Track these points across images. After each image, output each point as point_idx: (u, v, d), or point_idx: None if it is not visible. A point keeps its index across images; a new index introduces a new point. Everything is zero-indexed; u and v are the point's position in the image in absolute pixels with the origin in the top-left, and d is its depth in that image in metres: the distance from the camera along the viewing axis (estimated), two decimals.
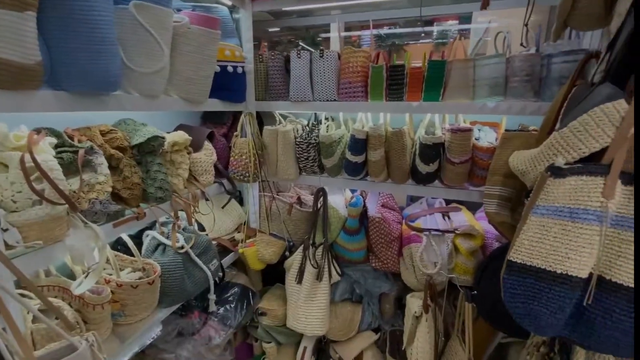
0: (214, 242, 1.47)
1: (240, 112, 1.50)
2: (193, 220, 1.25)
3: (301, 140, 1.42)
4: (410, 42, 2.34)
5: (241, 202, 1.81)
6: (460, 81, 1.20)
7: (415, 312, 1.28)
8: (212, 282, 1.29)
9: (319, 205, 1.47)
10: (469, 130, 1.17)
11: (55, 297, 0.95)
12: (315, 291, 1.46)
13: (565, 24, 0.94)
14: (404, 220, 1.50)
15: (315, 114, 1.61)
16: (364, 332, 1.56)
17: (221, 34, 1.20)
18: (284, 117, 1.57)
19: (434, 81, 1.22)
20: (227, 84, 1.35)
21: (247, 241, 1.54)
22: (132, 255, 1.13)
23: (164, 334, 1.26)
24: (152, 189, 1.04)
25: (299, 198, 1.66)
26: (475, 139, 1.22)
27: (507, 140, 1.04)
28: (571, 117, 0.74)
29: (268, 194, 1.59)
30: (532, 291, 0.71)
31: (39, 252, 0.77)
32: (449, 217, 1.45)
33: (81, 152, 0.82)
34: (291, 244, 1.56)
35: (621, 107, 0.67)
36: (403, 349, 1.39)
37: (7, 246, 0.70)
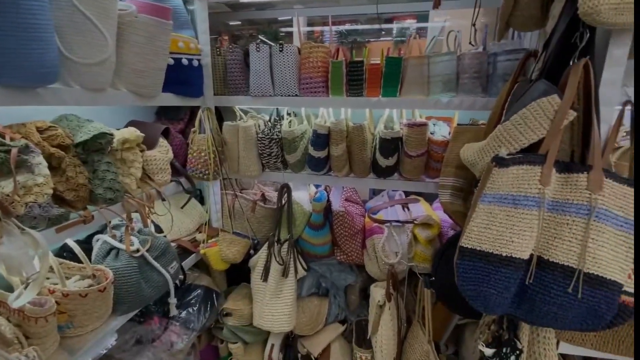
0: (173, 244, 1.41)
1: (198, 107, 1.44)
2: (149, 221, 1.18)
3: (263, 136, 1.40)
4: (372, 40, 2.39)
5: (202, 201, 1.75)
6: (416, 78, 1.25)
7: (379, 301, 1.32)
8: (172, 286, 1.23)
9: (283, 202, 1.46)
10: (425, 124, 1.23)
11: None
12: (281, 288, 1.45)
13: (507, 24, 1.02)
14: (366, 213, 1.53)
15: (277, 109, 1.59)
16: (331, 325, 1.59)
17: (174, 24, 1.14)
18: (245, 112, 1.54)
19: (391, 77, 1.26)
20: (182, 77, 1.29)
21: (209, 241, 1.49)
22: (80, 262, 1.05)
23: (121, 343, 1.19)
24: (101, 189, 0.97)
25: (262, 195, 1.64)
26: (431, 133, 1.28)
27: (458, 133, 1.10)
28: (513, 111, 0.80)
29: (230, 192, 1.55)
30: (481, 274, 0.76)
31: None
32: (408, 209, 1.51)
33: (14, 151, 0.74)
34: (256, 241, 1.54)
35: (555, 101, 0.73)
36: (368, 337, 1.44)
37: None
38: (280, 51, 1.32)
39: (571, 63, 0.78)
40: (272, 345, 1.55)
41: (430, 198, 1.58)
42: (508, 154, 0.76)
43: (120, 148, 1.06)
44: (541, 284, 0.75)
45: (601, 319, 0.73)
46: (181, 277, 1.37)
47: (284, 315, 1.43)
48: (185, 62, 1.27)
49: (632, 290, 0.75)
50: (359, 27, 2.45)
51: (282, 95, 1.37)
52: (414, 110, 1.42)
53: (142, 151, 1.16)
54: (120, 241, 1.12)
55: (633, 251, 0.73)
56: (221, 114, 1.59)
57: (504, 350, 0.92)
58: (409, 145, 1.25)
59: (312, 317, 1.55)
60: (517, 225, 0.74)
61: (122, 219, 1.13)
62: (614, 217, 0.72)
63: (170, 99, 1.28)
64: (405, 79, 1.26)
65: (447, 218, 1.36)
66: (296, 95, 1.37)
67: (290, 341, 1.62)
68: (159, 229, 1.38)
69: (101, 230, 1.26)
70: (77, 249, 1.02)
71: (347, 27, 2.37)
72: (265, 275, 1.45)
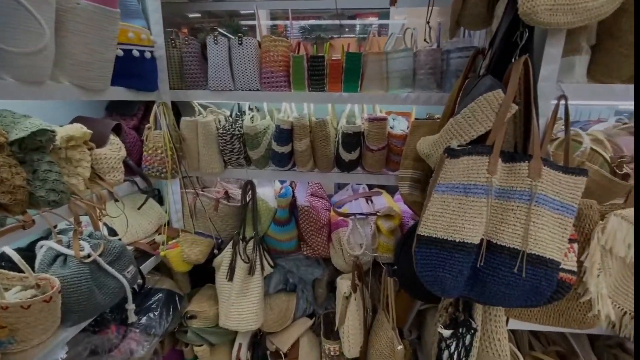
0: (130, 247, 1.34)
1: (152, 102, 1.37)
2: (101, 224, 1.10)
3: (224, 131, 1.36)
4: (335, 37, 2.41)
5: (161, 201, 1.67)
6: (375, 73, 1.27)
7: (345, 292, 1.35)
8: (129, 291, 1.17)
9: (247, 199, 1.44)
10: (384, 119, 1.26)
11: None
12: (247, 286, 1.43)
13: (458, 23, 1.07)
14: (331, 207, 1.55)
15: (238, 104, 1.55)
16: (299, 320, 1.59)
17: (123, 13, 1.07)
18: (204, 107, 1.48)
19: (352, 73, 1.27)
20: (134, 70, 1.21)
21: (170, 243, 1.43)
22: (21, 271, 0.96)
23: (73, 355, 1.11)
24: (42, 191, 0.89)
25: (226, 192, 1.60)
26: (390, 128, 1.32)
27: (415, 127, 1.14)
28: (463, 105, 0.85)
29: (191, 191, 1.49)
30: (437, 259, 0.80)
31: None
32: (371, 201, 1.55)
33: None
34: (219, 241, 1.50)
35: (499, 95, 0.79)
36: (336, 329, 1.46)
37: None
38: (240, 44, 1.29)
39: (513, 60, 0.84)
40: (240, 345, 1.52)
41: (392, 190, 1.64)
42: (458, 146, 0.80)
43: (64, 146, 0.98)
44: (491, 266, 0.81)
45: (542, 295, 0.80)
46: (140, 281, 1.30)
47: (251, 313, 1.42)
48: (136, 53, 1.20)
49: (568, 268, 0.83)
50: (322, 22, 2.46)
51: (242, 90, 1.34)
52: (374, 105, 1.45)
53: (90, 149, 1.08)
54: (69, 247, 1.04)
55: (568, 232, 0.80)
56: (178, 109, 1.52)
57: (460, 330, 0.98)
58: (370, 140, 1.28)
59: (280, 313, 1.55)
60: (468, 212, 0.79)
61: (69, 222, 1.05)
62: (551, 202, 0.78)
63: (121, 94, 1.20)
64: (366, 74, 1.28)
65: (407, 209, 1.41)
66: (257, 89, 1.34)
67: (258, 339, 1.60)
68: (113, 232, 1.30)
69: (46, 236, 1.16)
70: (16, 257, 0.93)
71: (310, 22, 2.37)
72: (230, 275, 1.42)
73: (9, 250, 0.94)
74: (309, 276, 1.57)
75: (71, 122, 1.11)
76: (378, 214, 1.39)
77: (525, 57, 0.80)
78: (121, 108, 1.43)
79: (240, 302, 1.42)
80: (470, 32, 1.29)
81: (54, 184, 0.91)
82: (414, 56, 1.25)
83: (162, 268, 1.56)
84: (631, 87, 0.89)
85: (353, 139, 1.30)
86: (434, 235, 0.81)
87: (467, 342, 0.99)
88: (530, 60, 0.81)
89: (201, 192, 1.51)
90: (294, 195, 1.49)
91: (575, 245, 0.84)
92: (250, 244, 1.43)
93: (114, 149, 1.17)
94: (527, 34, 0.82)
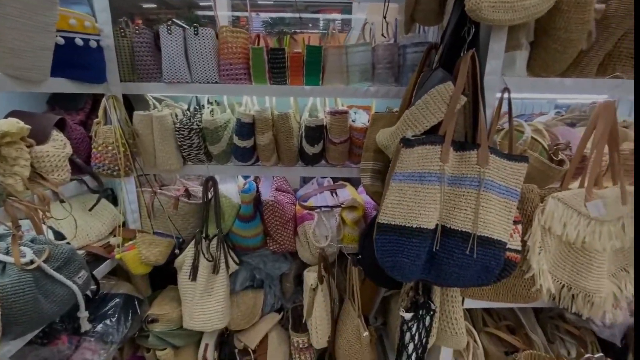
0: (81, 251, 1.25)
1: (101, 95, 1.28)
2: (45, 228, 1.02)
3: (182, 126, 1.30)
4: (298, 31, 2.41)
5: (116, 201, 1.57)
6: (336, 67, 1.29)
7: (312, 284, 1.36)
8: (80, 298, 1.09)
9: (209, 196, 1.40)
10: (346, 112, 1.28)
11: None
12: (212, 285, 1.39)
13: (412, 19, 1.11)
14: (297, 201, 1.55)
15: (197, 97, 1.49)
16: (267, 315, 1.59)
17: None
18: (159, 100, 1.41)
19: (313, 66, 1.27)
20: (78, 60, 1.13)
21: (126, 245, 1.35)
22: None
23: None
24: None
25: (186, 190, 1.54)
26: (352, 121, 1.34)
27: (375, 120, 1.17)
28: (417, 98, 0.89)
29: (148, 189, 1.42)
30: (396, 245, 0.83)
31: None
32: (336, 194, 1.58)
33: None
34: (180, 240, 1.44)
35: (449, 87, 0.83)
36: (304, 321, 1.47)
37: None
38: (196, 35, 1.24)
39: (462, 54, 0.89)
40: (206, 345, 1.48)
41: (356, 183, 1.67)
42: (413, 136, 0.84)
43: None
44: (446, 249, 0.86)
45: (492, 273, 0.87)
46: (93, 287, 1.22)
47: (217, 312, 1.38)
48: (79, 42, 1.11)
49: (514, 247, 0.90)
50: (284, 15, 2.44)
51: (200, 82, 1.29)
52: (336, 98, 1.47)
53: (29, 146, 0.99)
54: (7, 253, 0.95)
55: (512, 214, 0.87)
56: (131, 103, 1.43)
57: (421, 312, 1.03)
58: (333, 133, 1.30)
59: (247, 310, 1.53)
60: (424, 199, 0.83)
61: (7, 227, 0.95)
62: (497, 187, 0.84)
63: (64, 85, 1.11)
64: (327, 68, 1.29)
65: (370, 200, 1.45)
66: (216, 82, 1.30)
67: (225, 338, 1.57)
68: (60, 236, 1.20)
69: None
70: None
71: (272, 15, 2.34)
72: (193, 274, 1.37)
73: None
74: (276, 271, 1.57)
75: (6, 117, 1.00)
76: (342, 205, 1.41)
77: (472, 51, 0.85)
78: (65, 102, 1.32)
79: (205, 301, 1.38)
80: (425, 27, 1.34)
81: None
82: (373, 51, 1.28)
83: (119, 272, 1.47)
84: (565, 80, 0.98)
85: (316, 133, 1.31)
86: (393, 223, 0.84)
87: (427, 323, 1.04)
88: (477, 54, 0.86)
89: (159, 191, 1.44)
90: (258, 191, 1.47)
91: (520, 227, 0.91)
92: (214, 241, 1.39)
93: (58, 146, 1.08)
94: (474, 29, 0.87)
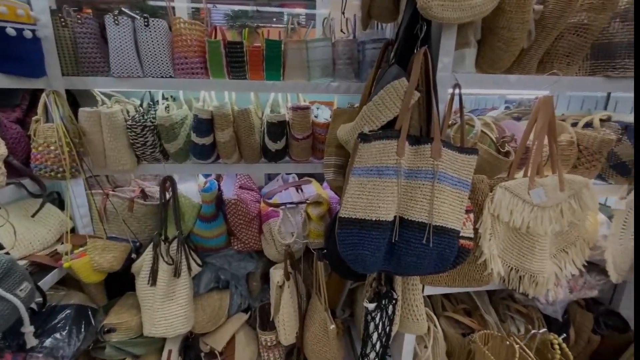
0: (23, 262, 1.15)
1: (41, 91, 1.17)
2: None
3: (134, 123, 1.23)
4: (261, 25, 2.36)
5: (63, 205, 1.45)
6: (297, 62, 1.27)
7: (278, 282, 1.35)
8: (24, 312, 1.00)
9: (167, 196, 1.33)
10: (307, 108, 1.28)
11: None
12: (173, 289, 1.34)
13: (369, 15, 1.12)
14: (261, 199, 1.53)
15: (150, 92, 1.42)
16: (234, 316, 1.55)
17: None
18: (108, 96, 1.32)
19: (272, 61, 1.25)
20: (10, 52, 1.02)
21: (76, 252, 1.25)
22: None
23: None
24: None
25: (142, 191, 1.46)
26: (315, 117, 1.35)
27: (336, 116, 1.18)
28: (375, 94, 0.90)
29: (99, 191, 1.33)
30: (357, 238, 0.85)
31: None
32: (301, 190, 1.57)
33: None
34: (137, 244, 1.37)
35: (404, 83, 0.86)
36: (272, 319, 1.46)
37: None
38: (146, 26, 1.17)
39: (415, 51, 0.92)
40: (170, 351, 1.43)
41: (321, 178, 1.68)
42: (370, 131, 0.86)
43: None
44: (404, 240, 0.89)
45: (447, 260, 0.91)
46: (39, 299, 1.13)
47: (179, 317, 1.33)
48: (11, 32, 1.01)
49: (466, 235, 0.95)
50: (245, 7, 2.38)
51: (153, 77, 1.22)
52: (298, 94, 1.46)
53: None
54: None
55: (464, 204, 0.92)
56: (76, 99, 1.33)
57: (383, 302, 1.07)
58: (295, 128, 1.29)
59: (213, 312, 1.49)
60: (382, 192, 0.85)
61: None
62: (450, 178, 0.89)
63: None
64: (287, 63, 1.27)
65: (334, 195, 1.47)
66: (171, 76, 1.24)
67: (189, 342, 1.52)
68: None
69: None
70: None
71: (232, 6, 2.28)
72: (153, 279, 1.31)
73: None
74: (241, 271, 1.54)
75: None
76: (307, 201, 1.41)
77: (424, 48, 0.88)
78: None
79: (167, 306, 1.32)
80: (383, 24, 1.37)
81: None
82: (333, 46, 1.28)
83: (70, 281, 1.37)
84: (509, 76, 1.05)
85: (278, 129, 1.30)
86: (353, 216, 0.85)
87: (389, 312, 1.08)
88: (429, 51, 0.89)
89: (112, 192, 1.36)
90: (220, 189, 1.43)
91: (472, 215, 0.97)
92: (174, 244, 1.34)
93: None
94: (426, 27, 0.90)
